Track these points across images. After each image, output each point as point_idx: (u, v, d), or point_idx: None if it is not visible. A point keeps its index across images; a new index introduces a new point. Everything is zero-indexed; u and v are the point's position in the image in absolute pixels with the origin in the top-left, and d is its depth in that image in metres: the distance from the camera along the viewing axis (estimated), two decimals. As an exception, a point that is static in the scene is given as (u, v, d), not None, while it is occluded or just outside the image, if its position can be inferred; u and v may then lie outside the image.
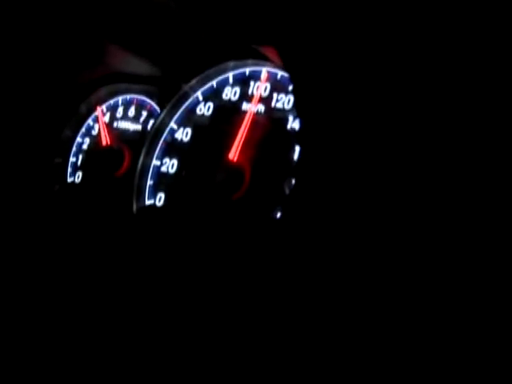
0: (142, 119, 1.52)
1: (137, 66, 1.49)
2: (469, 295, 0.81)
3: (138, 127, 1.51)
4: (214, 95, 1.35)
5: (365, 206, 0.90)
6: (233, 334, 1.01)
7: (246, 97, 1.29)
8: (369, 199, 0.89)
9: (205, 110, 1.35)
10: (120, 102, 1.59)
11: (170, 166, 1.36)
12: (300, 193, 0.99)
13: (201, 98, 1.37)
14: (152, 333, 1.09)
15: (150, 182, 1.38)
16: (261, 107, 1.24)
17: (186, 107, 1.38)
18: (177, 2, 1.16)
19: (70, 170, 1.62)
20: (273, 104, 1.24)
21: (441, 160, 0.85)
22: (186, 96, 1.38)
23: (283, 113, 1.21)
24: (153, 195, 1.37)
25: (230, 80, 1.33)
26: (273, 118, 1.22)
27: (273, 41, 1.07)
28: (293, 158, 1.15)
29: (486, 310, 0.80)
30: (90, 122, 1.63)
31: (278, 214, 1.14)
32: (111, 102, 1.61)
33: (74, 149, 1.63)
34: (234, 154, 1.22)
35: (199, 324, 1.06)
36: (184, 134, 1.37)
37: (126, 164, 1.47)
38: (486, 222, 0.81)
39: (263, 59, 1.25)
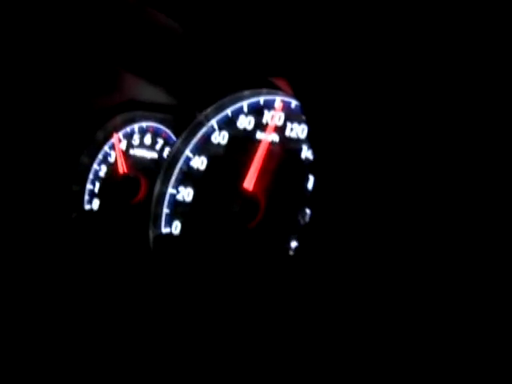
0: (157, 147, 1.53)
1: (153, 94, 1.51)
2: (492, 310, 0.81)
3: (154, 155, 1.53)
4: (228, 124, 1.37)
5: (382, 236, 0.90)
6: (243, 360, 1.01)
7: (260, 126, 1.30)
8: (386, 230, 0.90)
9: (220, 138, 1.37)
10: (136, 130, 1.61)
11: (186, 194, 1.38)
12: (315, 223, 0.99)
13: (216, 127, 1.38)
14: (165, 359, 1.10)
15: (166, 210, 1.39)
16: (275, 136, 1.26)
17: (202, 136, 1.40)
18: (193, 33, 1.18)
19: (87, 197, 1.64)
20: (287, 133, 1.25)
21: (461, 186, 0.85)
22: (201, 125, 1.40)
23: (297, 142, 1.23)
24: (169, 223, 1.38)
25: (245, 109, 1.34)
26: (287, 148, 1.24)
27: (284, 73, 1.09)
28: (307, 188, 1.16)
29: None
30: (106, 149, 1.65)
31: (293, 244, 1.15)
32: (127, 129, 1.63)
33: (91, 176, 1.65)
34: (249, 183, 1.23)
35: (212, 350, 1.07)
36: (199, 163, 1.38)
37: (142, 192, 1.48)
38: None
39: (277, 88, 1.26)
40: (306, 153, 1.20)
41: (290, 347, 0.96)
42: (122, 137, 1.63)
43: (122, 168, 1.57)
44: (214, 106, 1.38)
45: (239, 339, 1.05)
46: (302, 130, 1.23)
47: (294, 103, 1.26)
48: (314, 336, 0.94)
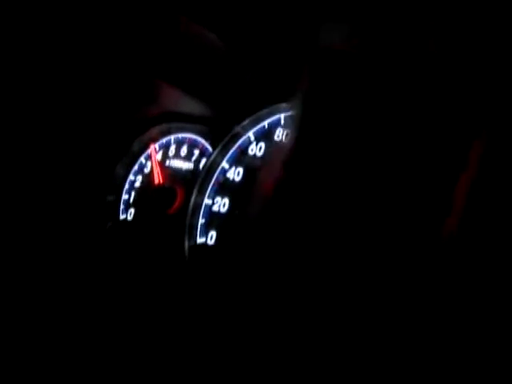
0: (193, 158, 1.54)
1: (190, 105, 1.53)
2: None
3: (190, 166, 1.53)
4: (265, 136, 1.37)
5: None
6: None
7: (297, 138, 1.30)
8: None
9: (256, 150, 1.37)
10: (172, 141, 1.62)
11: (222, 205, 1.38)
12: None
13: (252, 139, 1.38)
14: (198, 367, 1.09)
15: (201, 221, 1.39)
16: (312, 149, 1.25)
17: (238, 147, 1.40)
18: (231, 45, 1.19)
19: (122, 207, 1.65)
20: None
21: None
22: (237, 136, 1.40)
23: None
24: (204, 234, 1.38)
25: (282, 121, 1.34)
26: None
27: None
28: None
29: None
30: (142, 159, 1.66)
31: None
32: (164, 140, 1.64)
33: (126, 186, 1.66)
34: (285, 195, 1.23)
35: (245, 358, 1.06)
36: (236, 174, 1.38)
37: (177, 202, 1.49)
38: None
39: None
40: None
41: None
42: (158, 148, 1.64)
43: (157, 178, 1.58)
44: (252, 117, 1.38)
45: (272, 348, 1.05)
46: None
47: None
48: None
